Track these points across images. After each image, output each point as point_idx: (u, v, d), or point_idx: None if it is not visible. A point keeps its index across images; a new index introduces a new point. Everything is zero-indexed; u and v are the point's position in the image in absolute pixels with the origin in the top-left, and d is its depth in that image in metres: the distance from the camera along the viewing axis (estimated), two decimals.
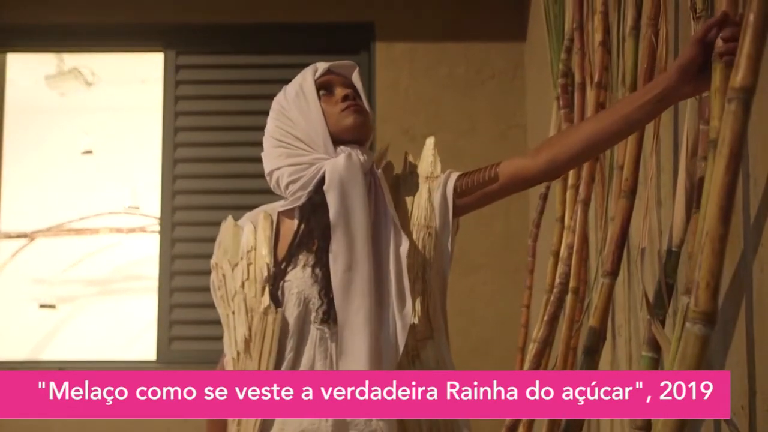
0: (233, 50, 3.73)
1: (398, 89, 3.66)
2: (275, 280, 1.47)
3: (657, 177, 1.70)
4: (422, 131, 3.61)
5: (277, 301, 1.45)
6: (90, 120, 5.05)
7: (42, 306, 5.01)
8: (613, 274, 1.53)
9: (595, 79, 2.04)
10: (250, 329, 1.45)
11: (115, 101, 4.88)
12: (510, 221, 3.56)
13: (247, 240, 1.53)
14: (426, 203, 1.53)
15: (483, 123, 3.63)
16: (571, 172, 2.24)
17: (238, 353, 1.47)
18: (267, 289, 1.46)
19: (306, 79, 1.55)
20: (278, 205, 1.57)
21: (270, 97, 1.68)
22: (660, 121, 1.56)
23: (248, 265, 1.50)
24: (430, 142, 1.61)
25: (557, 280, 2.19)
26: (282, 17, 3.71)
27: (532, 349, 2.28)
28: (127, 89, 4.76)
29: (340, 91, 1.54)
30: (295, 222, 1.52)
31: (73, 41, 3.85)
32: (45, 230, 5.05)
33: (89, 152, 5.12)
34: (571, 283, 2.09)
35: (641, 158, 1.61)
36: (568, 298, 2.10)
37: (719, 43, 1.17)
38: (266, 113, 1.62)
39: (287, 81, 1.62)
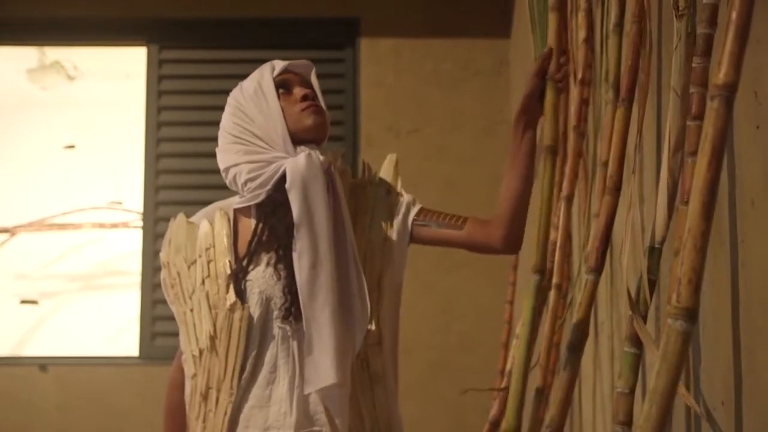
0: (217, 45, 3.72)
1: (383, 85, 3.65)
2: (237, 277, 1.48)
3: (640, 174, 1.71)
4: (407, 127, 3.62)
5: (242, 298, 1.46)
6: (72, 114, 5.02)
7: (23, 301, 4.97)
8: (598, 270, 1.54)
9: (579, 76, 2.05)
10: (214, 326, 1.46)
11: (98, 96, 4.85)
12: None
13: (204, 237, 1.53)
14: (385, 217, 1.56)
15: (468, 119, 3.64)
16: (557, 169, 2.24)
17: (201, 351, 1.48)
18: (232, 287, 1.47)
19: (264, 77, 1.56)
20: (233, 202, 1.56)
21: None
22: (643, 119, 1.57)
23: (208, 262, 1.51)
24: (391, 158, 1.63)
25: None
26: (267, 12, 3.70)
27: (515, 345, 2.29)
28: (109, 84, 4.73)
29: (299, 91, 1.56)
30: (252, 220, 1.53)
31: (55, 35, 3.82)
32: (27, 225, 5.01)
33: (71, 147, 5.08)
34: (554, 279, 2.09)
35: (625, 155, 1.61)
36: (551, 294, 2.11)
37: (552, 68, 1.48)
38: None
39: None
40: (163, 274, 1.57)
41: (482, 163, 3.61)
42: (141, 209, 3.69)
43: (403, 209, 1.57)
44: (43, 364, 3.54)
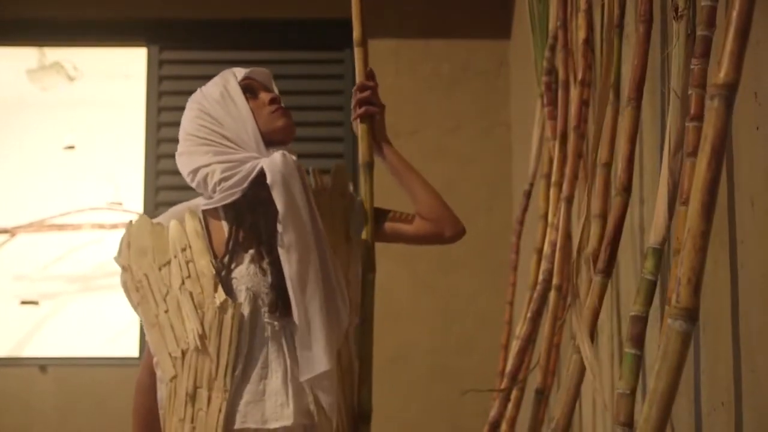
0: (217, 46, 3.72)
1: (382, 87, 3.61)
2: (221, 276, 1.51)
3: (639, 175, 1.71)
4: (407, 129, 3.62)
5: (231, 296, 1.49)
6: (72, 115, 5.01)
7: (23, 302, 4.97)
8: (606, 272, 1.52)
9: (579, 76, 2.05)
10: (202, 325, 1.48)
11: (98, 96, 4.84)
12: (493, 218, 3.57)
13: (178, 238, 1.55)
14: (343, 217, 1.67)
15: (467, 120, 3.64)
16: (555, 170, 2.25)
17: (184, 351, 1.50)
18: (220, 285, 1.49)
19: (230, 82, 1.60)
20: (200, 203, 1.59)
21: None
22: (637, 124, 1.57)
23: (187, 262, 1.52)
24: (340, 164, 1.76)
25: (540, 277, 2.20)
26: (266, 13, 3.70)
27: (515, 346, 2.29)
28: (110, 84, 4.72)
29: (265, 95, 1.61)
30: (223, 220, 1.57)
31: (55, 35, 3.83)
32: (26, 226, 5.00)
33: (71, 147, 5.08)
34: (554, 281, 2.09)
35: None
36: (551, 295, 2.11)
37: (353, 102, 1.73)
38: None
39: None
40: (124, 277, 1.59)
41: (482, 164, 3.61)
42: (141, 210, 3.69)
43: (358, 208, 1.70)
44: (43, 364, 3.54)
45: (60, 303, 5.05)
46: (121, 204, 4.99)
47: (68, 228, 5.01)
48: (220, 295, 1.48)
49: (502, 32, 3.66)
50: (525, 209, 2.83)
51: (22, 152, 5.03)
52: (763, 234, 1.14)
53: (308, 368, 1.48)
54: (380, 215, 1.72)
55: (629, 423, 1.30)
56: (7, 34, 3.78)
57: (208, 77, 1.67)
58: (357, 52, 1.82)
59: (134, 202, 4.56)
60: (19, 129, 4.99)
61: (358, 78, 1.78)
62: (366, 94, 1.75)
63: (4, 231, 4.96)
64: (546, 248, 2.23)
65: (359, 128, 1.75)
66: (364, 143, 1.74)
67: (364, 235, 1.69)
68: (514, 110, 3.56)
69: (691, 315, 1.02)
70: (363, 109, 1.74)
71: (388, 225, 1.72)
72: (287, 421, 1.47)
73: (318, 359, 1.47)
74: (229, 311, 1.47)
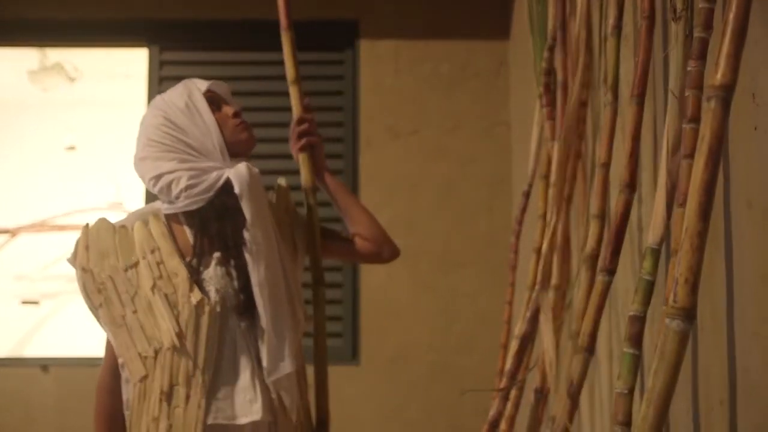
0: (217, 46, 3.72)
1: (382, 87, 3.66)
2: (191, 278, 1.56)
3: (638, 175, 1.71)
4: (406, 129, 3.62)
5: (207, 296, 1.54)
6: (73, 115, 5.02)
7: (24, 302, 4.98)
8: (610, 271, 1.52)
9: (578, 77, 2.05)
10: (179, 324, 1.52)
11: (99, 97, 4.86)
12: (493, 218, 3.57)
13: (146, 240, 1.58)
14: (289, 230, 1.75)
15: (467, 121, 3.64)
16: (554, 170, 2.25)
17: (157, 351, 1.53)
18: (196, 285, 1.54)
19: (194, 93, 1.65)
20: (160, 208, 1.64)
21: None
22: (641, 121, 1.57)
23: (157, 264, 1.56)
24: (281, 182, 1.84)
25: (539, 277, 2.20)
26: (267, 14, 3.70)
27: (514, 345, 2.29)
28: (110, 85, 4.74)
29: (228, 108, 1.68)
30: (184, 225, 1.61)
31: (56, 36, 3.83)
32: (28, 226, 5.01)
33: (72, 148, 5.09)
34: (554, 280, 2.10)
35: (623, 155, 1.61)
36: (551, 294, 2.11)
37: (294, 135, 1.89)
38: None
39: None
40: (83, 279, 1.60)
41: (481, 164, 3.62)
42: None
43: (302, 225, 1.81)
44: (44, 364, 3.54)
45: (61, 303, 5.06)
46: (121, 204, 5.01)
47: (69, 228, 5.02)
48: (197, 295, 1.52)
49: (502, 32, 3.66)
50: (524, 209, 2.84)
51: (23, 153, 5.04)
52: (759, 235, 1.15)
53: (275, 370, 1.54)
54: (323, 233, 1.83)
55: (627, 422, 1.31)
56: (8, 34, 3.79)
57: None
58: (292, 89, 1.93)
59: (135, 202, 4.57)
60: (20, 130, 5.00)
61: (296, 112, 1.89)
62: (305, 126, 1.86)
63: (6, 231, 4.97)
64: (545, 248, 2.23)
65: (300, 158, 1.88)
66: (306, 170, 1.89)
67: (309, 250, 1.80)
68: (513, 110, 3.57)
69: (689, 314, 1.03)
70: (305, 140, 1.87)
71: (329, 243, 1.84)
72: (256, 416, 1.52)
73: (284, 362, 1.55)
74: (206, 309, 1.52)
